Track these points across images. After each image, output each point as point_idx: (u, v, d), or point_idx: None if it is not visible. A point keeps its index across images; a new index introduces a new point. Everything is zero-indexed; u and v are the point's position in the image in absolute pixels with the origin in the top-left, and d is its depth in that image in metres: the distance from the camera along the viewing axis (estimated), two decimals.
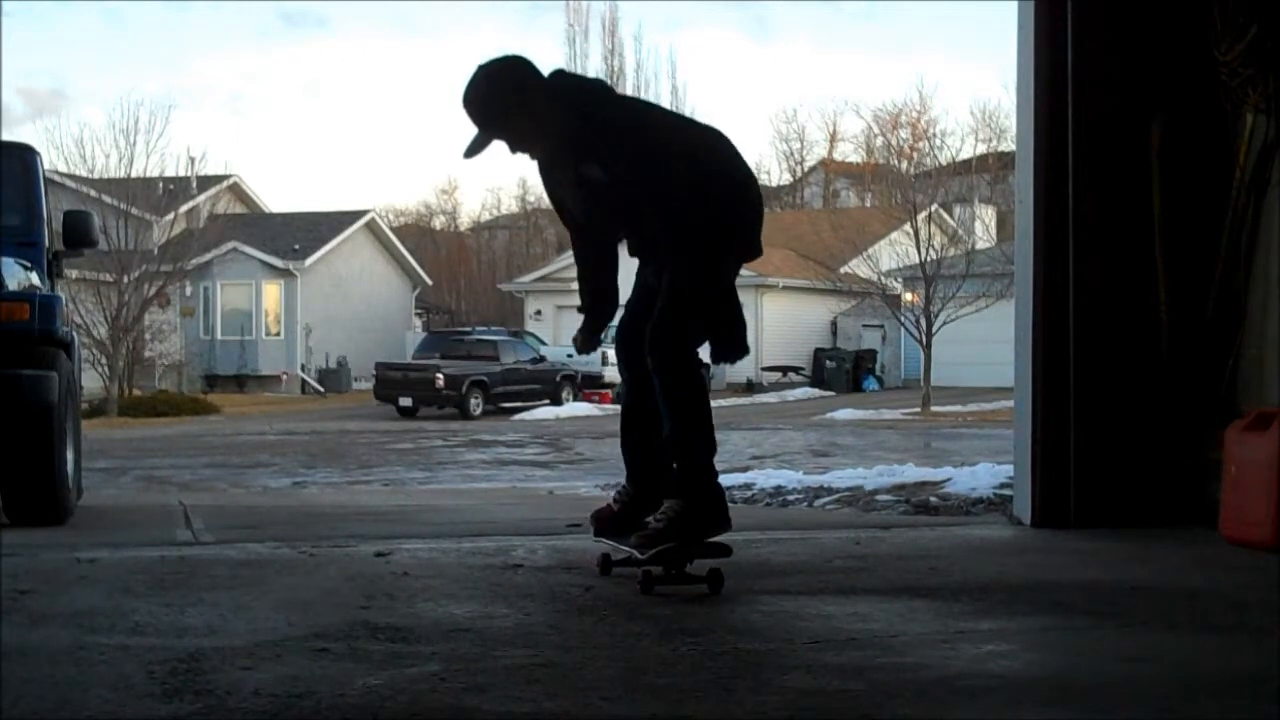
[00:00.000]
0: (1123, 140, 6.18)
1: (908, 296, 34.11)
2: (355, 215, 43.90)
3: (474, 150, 4.44)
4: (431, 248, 54.86)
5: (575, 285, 4.81)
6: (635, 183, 4.30)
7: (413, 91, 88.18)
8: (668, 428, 4.36)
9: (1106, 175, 6.20)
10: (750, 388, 37.13)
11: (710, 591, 4.25)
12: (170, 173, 37.09)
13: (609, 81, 4.89)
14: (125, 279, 31.94)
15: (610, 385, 33.59)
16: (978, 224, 40.71)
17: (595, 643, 3.60)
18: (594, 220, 4.55)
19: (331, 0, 79.67)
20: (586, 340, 4.77)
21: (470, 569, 4.90)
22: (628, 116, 4.45)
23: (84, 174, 35.23)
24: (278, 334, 40.62)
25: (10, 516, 6.86)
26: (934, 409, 28.54)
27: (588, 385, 33.43)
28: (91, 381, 27.27)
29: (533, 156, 4.52)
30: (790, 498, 8.89)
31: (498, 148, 4.46)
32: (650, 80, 52.14)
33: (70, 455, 7.25)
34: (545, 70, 4.49)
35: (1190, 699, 3.06)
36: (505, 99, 4.35)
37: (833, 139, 59.13)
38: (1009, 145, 34.43)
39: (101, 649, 3.42)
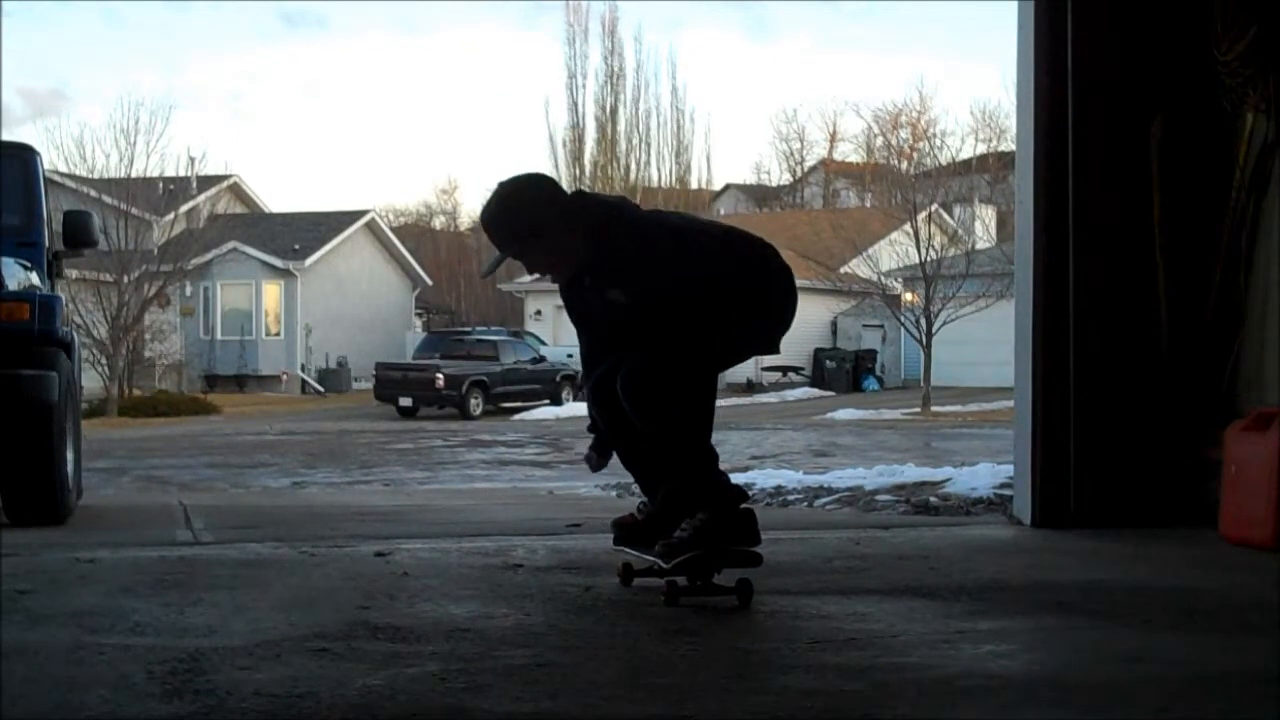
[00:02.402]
0: (1123, 140, 6.18)
1: (908, 296, 34.11)
2: (355, 215, 43.90)
3: (492, 269, 4.45)
4: (431, 248, 54.84)
5: None
6: (652, 301, 4.23)
7: (413, 91, 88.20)
8: (662, 465, 4.26)
9: (1106, 175, 6.20)
10: (750, 388, 37.13)
11: (740, 604, 4.05)
12: (170, 173, 37.11)
13: (628, 198, 4.75)
14: (125, 279, 31.94)
15: None
16: (978, 224, 40.71)
17: (595, 643, 3.60)
18: (616, 331, 4.47)
19: (331, 0, 79.68)
20: (600, 459, 4.59)
21: (470, 569, 4.90)
22: (645, 241, 4.31)
23: (84, 174, 35.23)
24: (278, 334, 40.62)
25: (10, 516, 6.86)
26: (934, 409, 28.54)
27: None
28: (91, 381, 27.27)
29: (552, 278, 4.47)
30: (790, 498, 8.88)
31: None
32: (650, 80, 52.23)
33: (70, 455, 7.25)
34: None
35: (1190, 699, 3.06)
36: (526, 222, 4.28)
37: (833, 139, 59.19)
38: (1009, 145, 34.44)
39: (101, 649, 3.42)
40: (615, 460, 4.66)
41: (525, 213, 4.29)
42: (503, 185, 4.35)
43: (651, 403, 4.16)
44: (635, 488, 4.83)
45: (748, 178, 62.75)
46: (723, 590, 4.09)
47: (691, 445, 4.21)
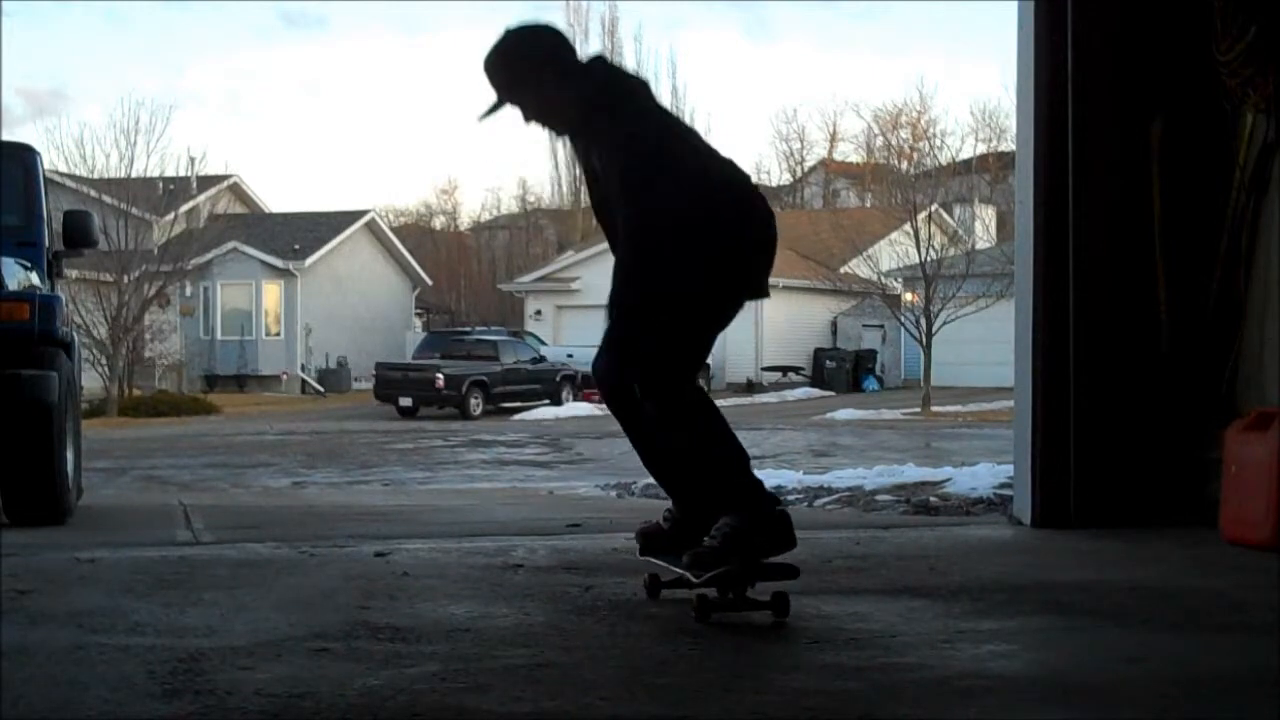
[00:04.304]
0: (1123, 140, 6.18)
1: (908, 296, 34.12)
2: (355, 215, 43.90)
3: (489, 114, 4.20)
4: (431, 248, 54.87)
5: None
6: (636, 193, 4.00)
7: (413, 91, 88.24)
8: (686, 457, 4.08)
9: (1106, 175, 6.20)
10: (750, 388, 37.15)
11: (775, 617, 3.85)
12: (170, 173, 37.12)
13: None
14: (125, 279, 31.95)
15: None
16: (978, 224, 40.72)
17: (595, 643, 3.60)
18: (601, 210, 4.27)
19: (331, 0, 79.67)
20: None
21: (470, 569, 4.90)
22: (648, 125, 4.09)
23: (84, 174, 35.23)
24: (278, 334, 40.62)
25: (10, 516, 6.86)
26: (934, 409, 28.53)
27: (588, 385, 33.41)
28: (91, 381, 27.25)
29: (552, 130, 4.27)
30: (790, 498, 8.88)
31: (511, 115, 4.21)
32: (650, 80, 52.07)
33: (70, 455, 7.25)
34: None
35: (1190, 699, 3.06)
36: (522, 72, 4.11)
37: (833, 139, 59.18)
38: (1009, 145, 34.46)
39: (101, 649, 3.42)
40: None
41: (524, 62, 4.13)
42: (508, 31, 4.19)
43: (663, 380, 3.97)
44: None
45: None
46: (757, 605, 3.89)
47: (714, 431, 4.03)
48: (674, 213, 3.99)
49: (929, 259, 31.68)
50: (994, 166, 39.93)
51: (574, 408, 31.27)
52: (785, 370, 39.01)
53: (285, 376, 40.00)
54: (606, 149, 4.07)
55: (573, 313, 39.85)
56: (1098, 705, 3.01)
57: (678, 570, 3.98)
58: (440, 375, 29.98)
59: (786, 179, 61.10)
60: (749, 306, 4.41)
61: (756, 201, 4.20)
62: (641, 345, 4.01)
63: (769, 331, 38.91)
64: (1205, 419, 6.04)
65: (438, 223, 62.21)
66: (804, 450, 18.35)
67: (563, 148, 51.40)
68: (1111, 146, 6.19)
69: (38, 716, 2.82)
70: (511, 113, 4.23)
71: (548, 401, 31.61)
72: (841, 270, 40.10)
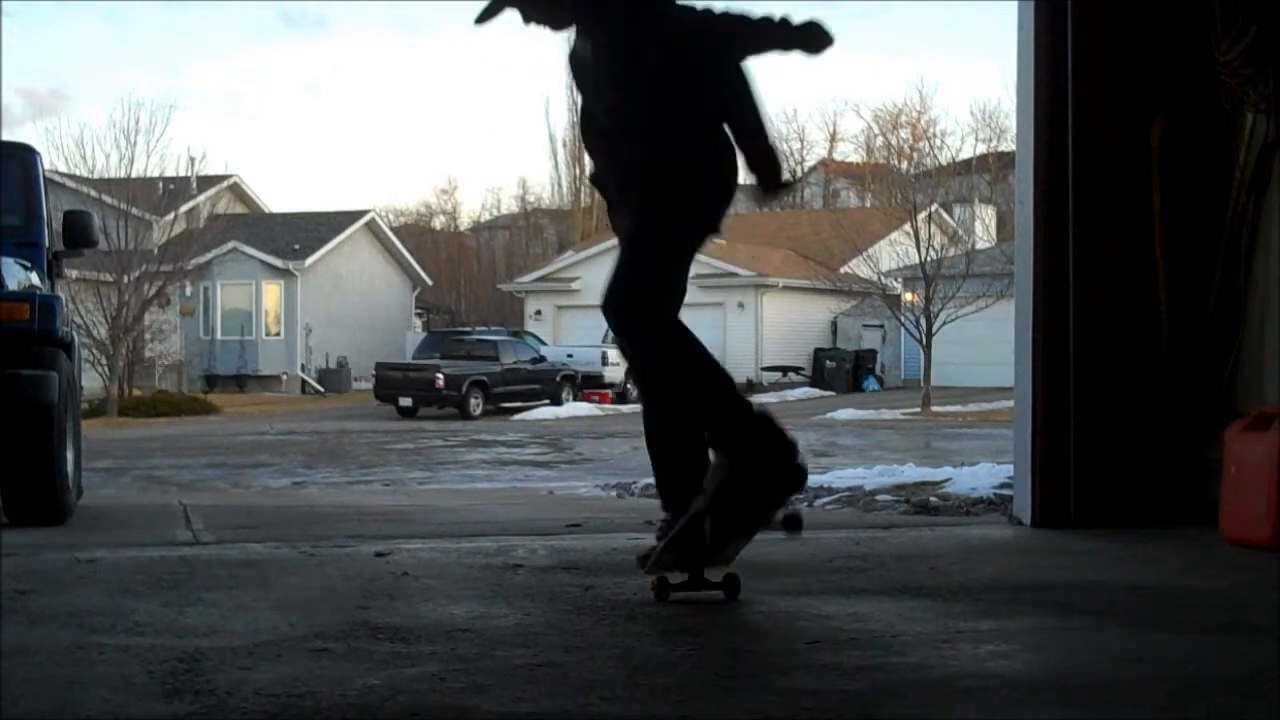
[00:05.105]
0: (1123, 140, 6.17)
1: (908, 296, 34.15)
2: (355, 215, 43.94)
3: (486, 17, 4.09)
4: (431, 248, 54.91)
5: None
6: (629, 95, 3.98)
7: (413, 91, 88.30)
8: (674, 400, 4.01)
9: (1106, 175, 6.20)
10: (750, 388, 37.16)
11: (726, 595, 4.01)
12: (170, 173, 37.19)
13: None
14: (125, 279, 32.00)
15: (610, 385, 33.64)
16: (978, 224, 40.75)
17: (595, 643, 3.60)
18: (585, 111, 4.18)
19: (331, 0, 79.72)
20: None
21: (470, 569, 4.89)
22: (658, 27, 3.97)
23: (84, 174, 35.28)
24: (278, 334, 40.66)
25: (10, 516, 6.86)
26: (934, 409, 28.57)
27: (588, 385, 33.48)
28: (91, 381, 27.28)
29: (554, 27, 4.16)
30: (790, 498, 8.87)
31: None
32: None
33: (70, 455, 7.25)
34: None
35: (1190, 699, 3.05)
36: None
37: (833, 139, 59.24)
38: (1009, 145, 34.47)
39: (101, 649, 3.41)
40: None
41: None
42: None
43: (644, 315, 3.90)
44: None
45: (748, 177, 62.69)
46: (718, 583, 4.03)
47: (695, 360, 3.95)
48: (689, 127, 3.99)
49: (929, 259, 31.71)
50: (994, 166, 39.95)
51: (574, 408, 31.31)
52: (785, 370, 39.01)
53: (285, 376, 40.03)
54: (622, 40, 3.96)
55: (573, 313, 39.86)
56: (1098, 705, 3.01)
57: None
58: (440, 375, 30.02)
59: (786, 179, 61.10)
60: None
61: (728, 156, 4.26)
62: (618, 280, 3.94)
63: (769, 331, 38.92)
64: (1205, 419, 6.03)
65: (438, 223, 62.29)
66: (804, 450, 18.28)
67: (563, 146, 51.45)
68: (1111, 146, 6.19)
69: (37, 717, 2.82)
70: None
71: (548, 401, 31.64)
72: (841, 270, 40.11)
